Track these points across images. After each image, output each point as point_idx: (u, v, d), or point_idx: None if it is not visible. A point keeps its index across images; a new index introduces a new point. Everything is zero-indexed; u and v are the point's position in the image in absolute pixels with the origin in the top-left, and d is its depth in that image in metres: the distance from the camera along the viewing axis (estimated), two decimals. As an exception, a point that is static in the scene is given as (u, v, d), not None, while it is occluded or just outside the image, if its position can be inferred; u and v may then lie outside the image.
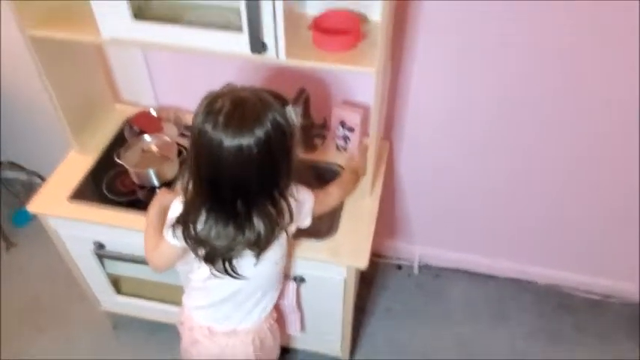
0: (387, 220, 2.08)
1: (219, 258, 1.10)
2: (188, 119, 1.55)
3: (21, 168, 2.35)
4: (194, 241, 1.08)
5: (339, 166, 1.64)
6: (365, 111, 1.59)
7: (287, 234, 1.19)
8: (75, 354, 1.95)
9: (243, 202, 1.02)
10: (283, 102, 1.03)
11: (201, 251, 1.10)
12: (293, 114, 1.03)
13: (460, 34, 1.45)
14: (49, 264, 2.13)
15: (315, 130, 1.65)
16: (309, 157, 1.67)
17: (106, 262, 1.65)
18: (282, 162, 1.03)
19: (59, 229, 1.57)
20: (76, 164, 1.62)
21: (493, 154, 1.74)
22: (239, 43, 1.21)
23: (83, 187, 1.56)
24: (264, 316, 1.34)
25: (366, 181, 1.53)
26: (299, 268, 1.46)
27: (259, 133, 0.96)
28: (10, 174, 2.40)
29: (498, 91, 1.56)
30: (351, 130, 1.63)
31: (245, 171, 0.99)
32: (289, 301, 1.49)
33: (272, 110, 0.98)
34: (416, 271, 2.20)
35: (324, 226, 1.51)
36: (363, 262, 1.38)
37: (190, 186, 1.05)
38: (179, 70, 1.74)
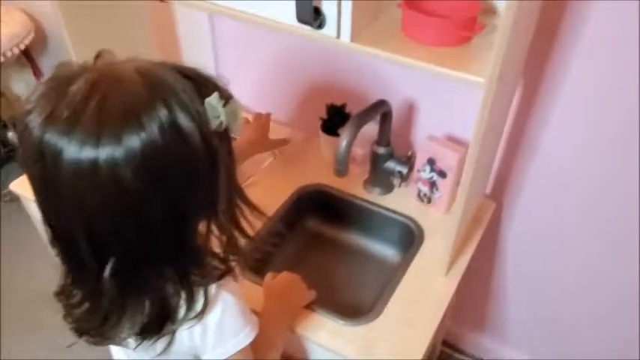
0: (474, 307, 1.53)
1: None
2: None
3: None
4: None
5: (412, 221, 1.16)
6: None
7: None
8: None
9: (117, 269, 0.56)
10: (208, 87, 0.57)
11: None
12: (222, 111, 0.56)
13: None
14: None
15: (394, 165, 1.20)
16: (379, 201, 1.21)
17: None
18: (188, 200, 0.57)
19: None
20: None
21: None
22: (286, 10, 0.81)
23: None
24: None
25: (443, 252, 1.03)
26: (312, 354, 1.00)
27: (134, 140, 0.50)
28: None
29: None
30: (443, 175, 1.14)
31: (109, 212, 0.53)
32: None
33: (172, 100, 0.53)
34: (502, 384, 1.61)
35: (361, 299, 1.04)
36: (406, 377, 0.89)
37: None
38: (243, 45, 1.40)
